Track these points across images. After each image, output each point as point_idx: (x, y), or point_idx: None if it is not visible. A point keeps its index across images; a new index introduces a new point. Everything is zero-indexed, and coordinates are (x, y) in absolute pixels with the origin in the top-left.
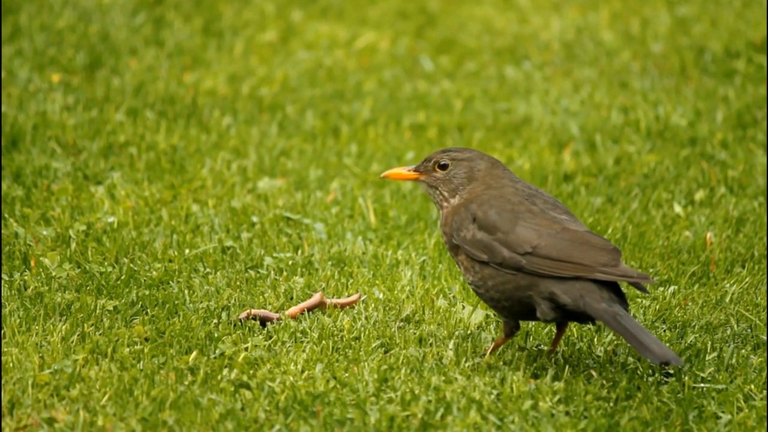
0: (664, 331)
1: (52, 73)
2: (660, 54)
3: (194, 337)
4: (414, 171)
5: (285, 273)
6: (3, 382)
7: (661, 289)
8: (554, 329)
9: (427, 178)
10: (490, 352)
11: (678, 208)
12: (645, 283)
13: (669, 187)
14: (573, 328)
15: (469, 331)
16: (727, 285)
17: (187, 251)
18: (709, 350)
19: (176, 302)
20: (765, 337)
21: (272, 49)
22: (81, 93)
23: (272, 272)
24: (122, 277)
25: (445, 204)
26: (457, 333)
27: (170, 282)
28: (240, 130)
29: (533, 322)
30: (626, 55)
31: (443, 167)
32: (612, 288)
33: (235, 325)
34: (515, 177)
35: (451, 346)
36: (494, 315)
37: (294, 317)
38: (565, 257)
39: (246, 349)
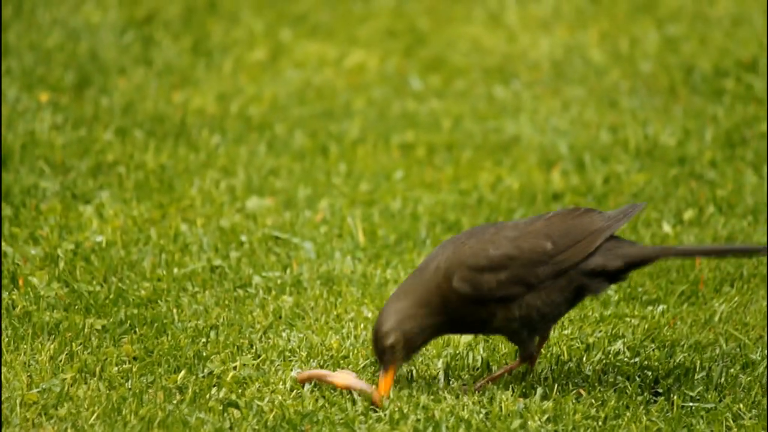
0: (653, 350)
1: (40, 92)
2: (649, 73)
3: (183, 356)
4: None
5: (273, 292)
6: None
7: (650, 308)
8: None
9: None
10: (496, 378)
11: (667, 227)
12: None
13: (658, 207)
14: (562, 347)
15: (458, 351)
16: (716, 304)
17: (175, 270)
18: (698, 369)
19: (165, 321)
20: (754, 357)
21: (261, 67)
22: (69, 112)
23: (261, 291)
24: (111, 296)
25: None
26: (445, 352)
27: (159, 301)
28: (229, 149)
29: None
30: (615, 74)
31: None
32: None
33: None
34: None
35: (439, 365)
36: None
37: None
38: (579, 236)
39: (235, 368)
